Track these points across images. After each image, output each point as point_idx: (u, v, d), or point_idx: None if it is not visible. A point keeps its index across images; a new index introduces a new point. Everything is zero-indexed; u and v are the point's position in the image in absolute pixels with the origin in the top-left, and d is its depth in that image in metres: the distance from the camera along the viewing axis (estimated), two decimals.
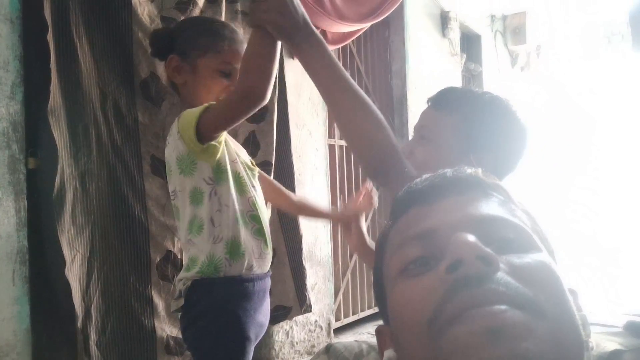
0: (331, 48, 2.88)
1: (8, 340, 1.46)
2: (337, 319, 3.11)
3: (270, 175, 2.25)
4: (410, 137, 1.46)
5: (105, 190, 1.69)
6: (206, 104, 1.20)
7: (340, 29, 2.80)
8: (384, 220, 3.28)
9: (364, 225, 1.37)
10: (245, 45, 1.16)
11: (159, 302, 1.77)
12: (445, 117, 1.11)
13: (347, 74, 1.04)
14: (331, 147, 3.14)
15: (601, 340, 0.59)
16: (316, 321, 2.79)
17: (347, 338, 3.06)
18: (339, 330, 3.11)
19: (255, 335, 1.27)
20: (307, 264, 2.33)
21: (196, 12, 1.86)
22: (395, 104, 3.80)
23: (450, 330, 0.42)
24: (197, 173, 1.23)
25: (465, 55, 4.69)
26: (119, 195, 1.71)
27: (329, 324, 2.90)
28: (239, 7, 2.17)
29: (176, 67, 1.29)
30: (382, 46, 3.77)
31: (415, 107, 3.74)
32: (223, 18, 1.99)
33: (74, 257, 1.57)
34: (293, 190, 2.41)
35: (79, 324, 1.57)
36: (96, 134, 1.67)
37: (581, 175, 7.50)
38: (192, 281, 1.22)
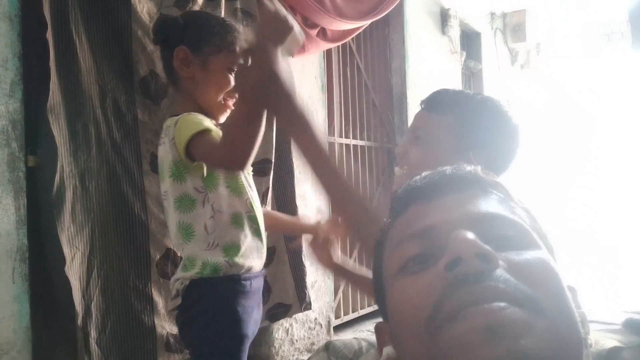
0: (331, 46, 2.89)
1: (8, 338, 1.47)
2: (337, 317, 3.12)
3: (270, 173, 2.25)
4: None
5: (105, 188, 1.69)
6: (202, 128, 1.18)
7: (340, 27, 2.80)
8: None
9: (337, 248, 1.31)
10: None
11: (158, 300, 1.77)
12: (439, 118, 1.13)
13: (334, 159, 0.93)
14: (331, 145, 3.13)
15: (600, 338, 0.59)
16: (316, 319, 2.80)
17: (347, 336, 3.06)
18: (338, 328, 3.11)
19: (252, 332, 1.28)
20: (307, 261, 2.33)
21: (195, 9, 1.86)
22: (394, 102, 3.80)
23: (449, 328, 0.42)
24: (189, 181, 1.23)
25: (465, 53, 4.69)
26: (119, 193, 1.72)
27: (328, 322, 2.90)
28: (238, 4, 2.17)
29: (184, 60, 1.27)
30: (382, 44, 3.76)
31: (415, 104, 3.72)
32: (222, 15, 1.99)
33: (74, 255, 1.57)
34: (293, 189, 2.41)
35: (79, 321, 1.57)
36: (96, 132, 1.67)
37: (580, 174, 7.50)
38: (190, 280, 1.22)
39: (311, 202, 2.76)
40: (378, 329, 0.56)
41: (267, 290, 2.21)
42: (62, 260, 1.53)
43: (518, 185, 1.17)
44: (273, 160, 2.25)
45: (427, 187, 0.55)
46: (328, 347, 0.72)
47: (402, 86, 3.78)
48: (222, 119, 1.32)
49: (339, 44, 3.00)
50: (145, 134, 1.78)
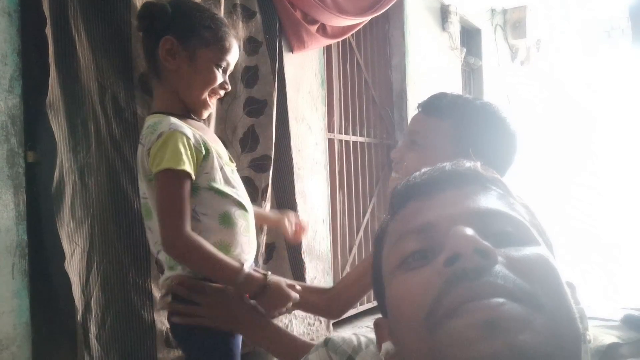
0: (331, 42, 2.88)
1: (8, 334, 1.47)
2: None
3: (269, 169, 2.25)
4: None
5: (104, 184, 1.69)
6: (179, 168, 1.10)
7: (340, 23, 2.80)
8: (382, 214, 3.29)
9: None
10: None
11: (158, 296, 1.77)
12: (437, 122, 1.13)
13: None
14: (330, 142, 3.14)
15: (599, 334, 0.60)
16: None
17: (346, 331, 3.06)
18: (337, 324, 3.12)
19: None
20: (306, 257, 2.34)
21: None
22: (394, 98, 3.80)
23: (448, 323, 0.42)
24: None
25: (465, 49, 4.68)
26: (118, 188, 1.72)
27: None
28: (237, 0, 2.16)
29: (170, 50, 1.20)
30: (382, 40, 3.76)
31: (415, 101, 3.72)
32: (222, 11, 1.99)
33: (74, 250, 1.57)
34: (292, 185, 2.41)
35: (79, 317, 1.58)
36: (95, 128, 1.66)
37: (580, 171, 7.50)
38: (180, 278, 1.19)
39: (310, 198, 2.77)
40: (377, 325, 0.56)
41: None
42: (61, 256, 1.53)
43: (518, 182, 1.17)
44: (272, 157, 2.25)
45: (427, 183, 0.55)
46: (327, 342, 0.72)
47: (402, 82, 3.77)
48: (205, 114, 1.27)
49: (339, 40, 3.00)
50: None
